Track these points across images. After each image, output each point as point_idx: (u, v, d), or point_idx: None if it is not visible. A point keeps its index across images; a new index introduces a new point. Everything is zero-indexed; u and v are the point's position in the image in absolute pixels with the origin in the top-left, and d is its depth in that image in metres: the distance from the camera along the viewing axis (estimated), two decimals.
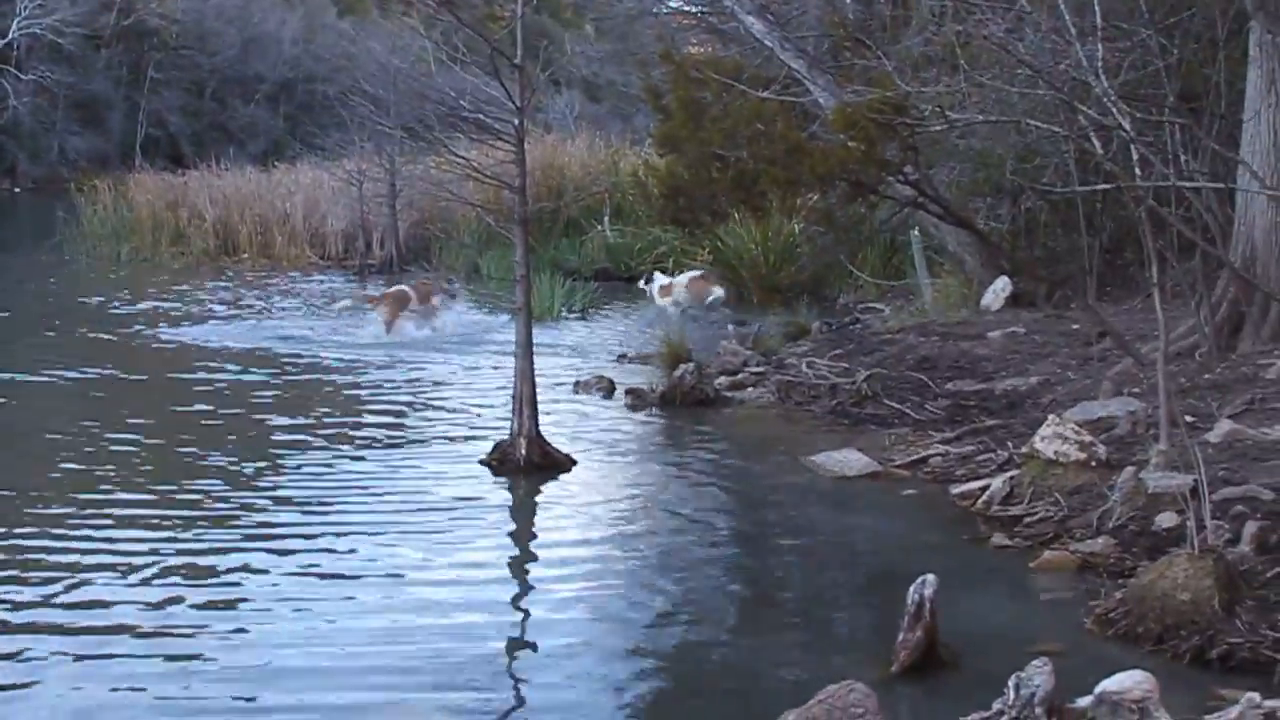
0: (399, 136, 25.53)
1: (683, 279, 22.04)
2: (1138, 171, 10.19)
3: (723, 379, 15.09)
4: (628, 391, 14.55)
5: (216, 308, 22.75)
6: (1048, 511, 9.39)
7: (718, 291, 21.66)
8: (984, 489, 10.06)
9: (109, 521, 9.61)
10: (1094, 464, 9.73)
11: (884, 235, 22.05)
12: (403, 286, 20.82)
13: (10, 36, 78.93)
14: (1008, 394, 12.96)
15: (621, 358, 17.38)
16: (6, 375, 15.47)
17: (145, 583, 8.31)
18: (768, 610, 8.17)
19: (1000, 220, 18.75)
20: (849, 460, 11.27)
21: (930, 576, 6.89)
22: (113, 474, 10.97)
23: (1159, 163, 10.59)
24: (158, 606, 7.87)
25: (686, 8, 26.95)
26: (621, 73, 43.48)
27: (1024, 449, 10.34)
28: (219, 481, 10.84)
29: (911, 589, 6.88)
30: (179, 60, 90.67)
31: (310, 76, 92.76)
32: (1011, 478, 10.03)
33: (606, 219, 29.90)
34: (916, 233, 19.78)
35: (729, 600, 8.39)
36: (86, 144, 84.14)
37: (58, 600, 7.96)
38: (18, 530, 9.32)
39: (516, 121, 11.43)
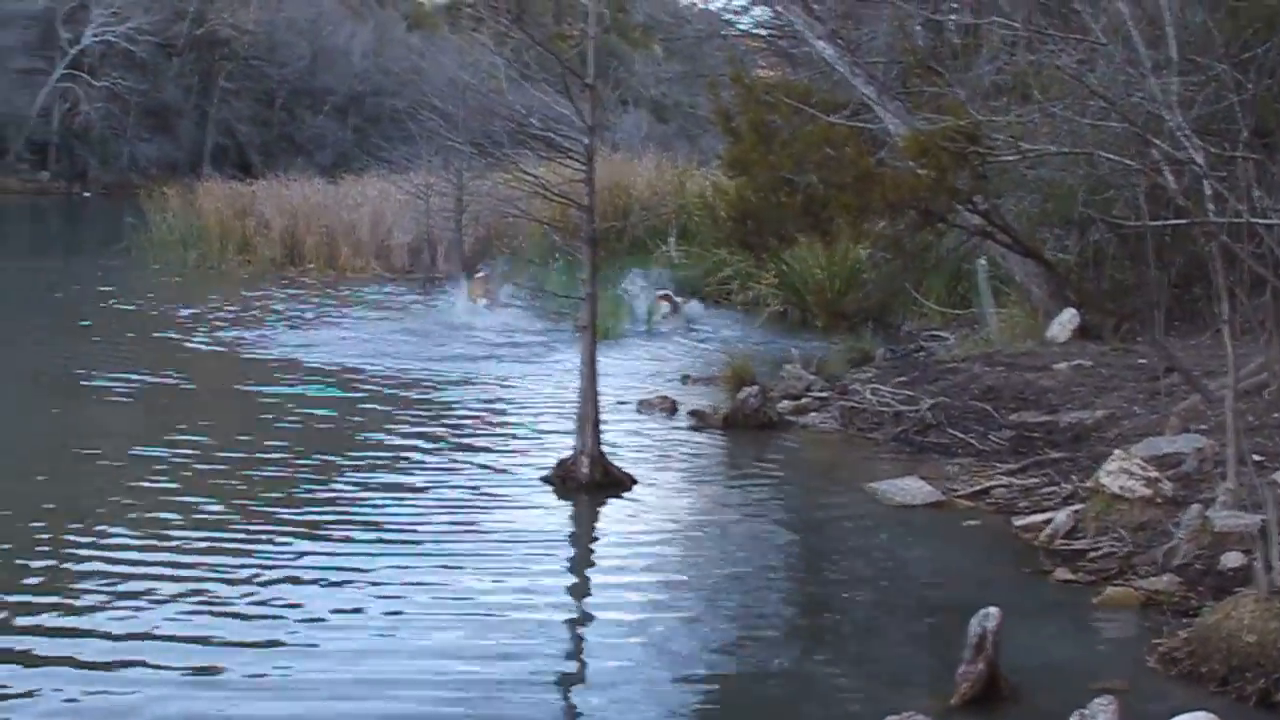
0: (467, 151, 25.57)
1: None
2: (1210, 206, 10.13)
3: (786, 403, 15.07)
4: (691, 412, 14.55)
5: (282, 318, 22.82)
6: (1112, 547, 9.33)
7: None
8: (1047, 522, 10.01)
9: (167, 540, 9.61)
10: (1160, 500, 9.66)
11: (950, 263, 21.97)
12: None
13: (84, 43, 79.75)
14: (1073, 427, 12.87)
15: (685, 378, 17.36)
16: (84, 382, 15.64)
17: (192, 592, 8.36)
18: (827, 638, 8.14)
19: (1068, 251, 18.64)
20: (912, 489, 11.22)
21: (993, 609, 6.86)
22: (169, 488, 10.99)
23: (1232, 198, 10.52)
24: (217, 617, 7.90)
25: (756, 30, 26.96)
26: (689, 94, 43.42)
27: (1089, 483, 10.27)
28: (281, 495, 10.90)
29: (973, 621, 6.85)
30: (249, 70, 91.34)
31: (379, 90, 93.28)
32: (1076, 511, 9.97)
33: (672, 240, 29.92)
34: (983, 262, 19.69)
35: (786, 625, 8.36)
36: (156, 151, 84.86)
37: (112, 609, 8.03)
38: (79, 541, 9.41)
39: (586, 140, 11.45)
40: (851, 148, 14.29)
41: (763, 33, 26.22)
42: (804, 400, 15.25)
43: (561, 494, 11.20)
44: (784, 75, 23.82)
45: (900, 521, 10.59)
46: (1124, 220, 15.24)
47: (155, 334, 20.22)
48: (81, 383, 15.66)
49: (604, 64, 11.80)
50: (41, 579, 8.51)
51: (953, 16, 19.00)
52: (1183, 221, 11.59)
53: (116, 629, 7.64)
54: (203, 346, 18.95)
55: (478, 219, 30.74)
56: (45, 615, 7.83)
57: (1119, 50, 11.52)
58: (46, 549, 9.16)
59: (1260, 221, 10.94)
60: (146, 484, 10.97)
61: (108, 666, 7.11)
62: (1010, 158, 12.79)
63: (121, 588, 8.32)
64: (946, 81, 16.04)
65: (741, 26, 26.58)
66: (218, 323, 21.67)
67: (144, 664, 7.16)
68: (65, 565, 8.79)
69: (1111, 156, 12.58)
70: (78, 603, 8.05)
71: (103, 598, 8.14)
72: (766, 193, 16.58)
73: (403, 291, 28.13)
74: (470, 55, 32.61)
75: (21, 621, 7.72)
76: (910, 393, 14.69)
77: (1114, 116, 11.15)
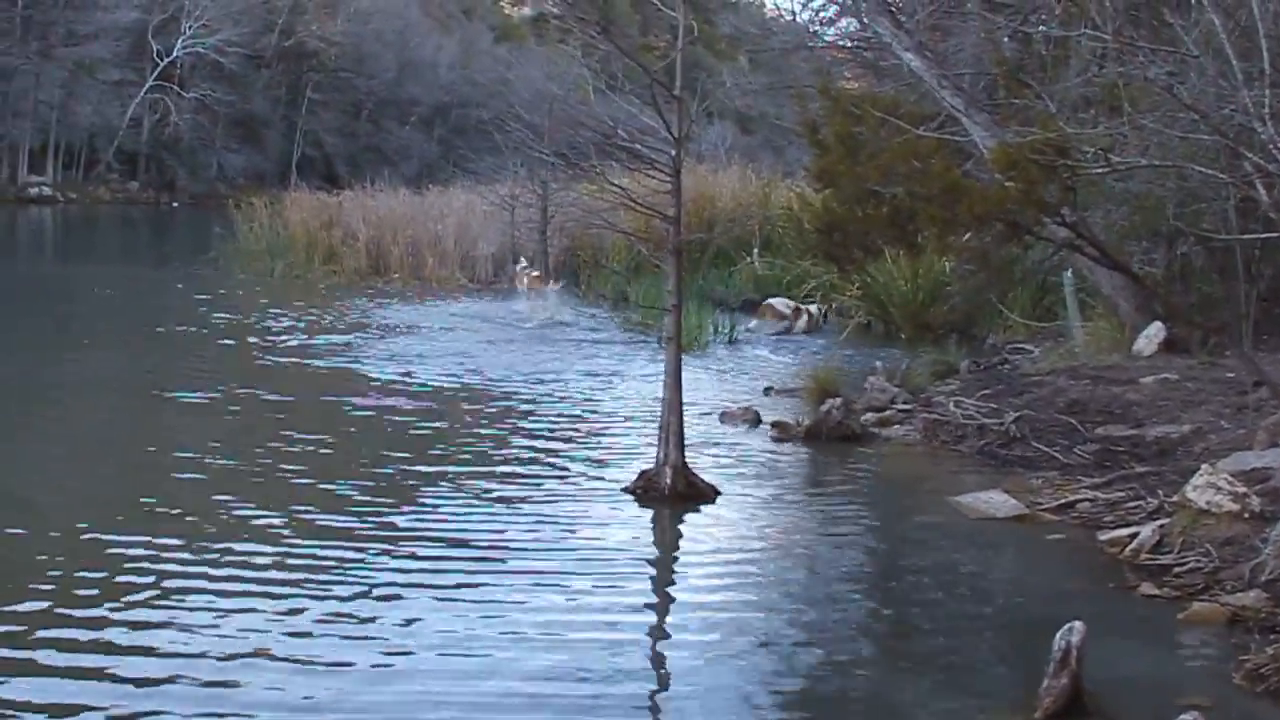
0: (552, 162, 25.69)
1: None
2: None
3: (869, 415, 15.04)
4: (773, 424, 14.54)
5: (367, 328, 22.96)
6: (1198, 562, 9.26)
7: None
8: (1133, 536, 9.95)
9: (235, 554, 9.65)
10: (1247, 515, 9.59)
11: (1036, 276, 21.86)
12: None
13: (175, 55, 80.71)
14: (1159, 441, 12.78)
15: (768, 390, 17.35)
16: (169, 392, 15.83)
17: (282, 608, 8.45)
18: (909, 651, 8.12)
19: (1155, 265, 18.51)
20: (995, 502, 11.18)
21: (1078, 623, 6.83)
22: (251, 500, 11.02)
23: None
24: (303, 635, 7.99)
25: (842, 42, 26.88)
26: (774, 105, 43.33)
27: (1175, 498, 10.21)
28: (362, 509, 10.96)
29: (1058, 635, 6.83)
30: (337, 82, 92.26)
31: (465, 101, 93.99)
32: (1161, 526, 9.91)
33: (756, 251, 29.93)
34: (1070, 275, 19.57)
35: (869, 639, 8.34)
36: (244, 161, 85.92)
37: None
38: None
39: (674, 152, 11.48)
40: (938, 160, 14.22)
41: (849, 44, 26.10)
42: (888, 413, 15.22)
43: (644, 505, 11.21)
44: (870, 87, 23.75)
45: (984, 535, 10.56)
46: (1213, 234, 15.14)
47: (241, 342, 20.40)
48: (166, 393, 15.79)
49: (690, 75, 11.79)
50: (143, 595, 8.54)
51: (1041, 28, 18.85)
52: (1274, 235, 11.49)
53: (221, 649, 7.64)
54: (284, 358, 19.03)
55: (563, 230, 30.85)
56: (154, 633, 7.88)
57: (1211, 62, 11.42)
58: (142, 563, 9.24)
59: None
60: (228, 496, 11.01)
61: (215, 685, 7.15)
62: (1099, 170, 12.71)
63: (222, 605, 8.35)
64: (1035, 93, 15.94)
65: (828, 38, 26.47)
66: (302, 332, 21.82)
67: (246, 684, 7.23)
68: (166, 582, 8.81)
69: (1202, 169, 12.50)
70: (181, 620, 8.09)
71: (206, 616, 8.15)
72: (852, 204, 16.51)
73: (488, 301, 28.27)
74: (557, 67, 32.80)
75: (127, 641, 7.78)
76: (995, 406, 14.63)
77: (1205, 129, 11.06)
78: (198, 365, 17.99)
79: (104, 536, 9.70)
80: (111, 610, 8.13)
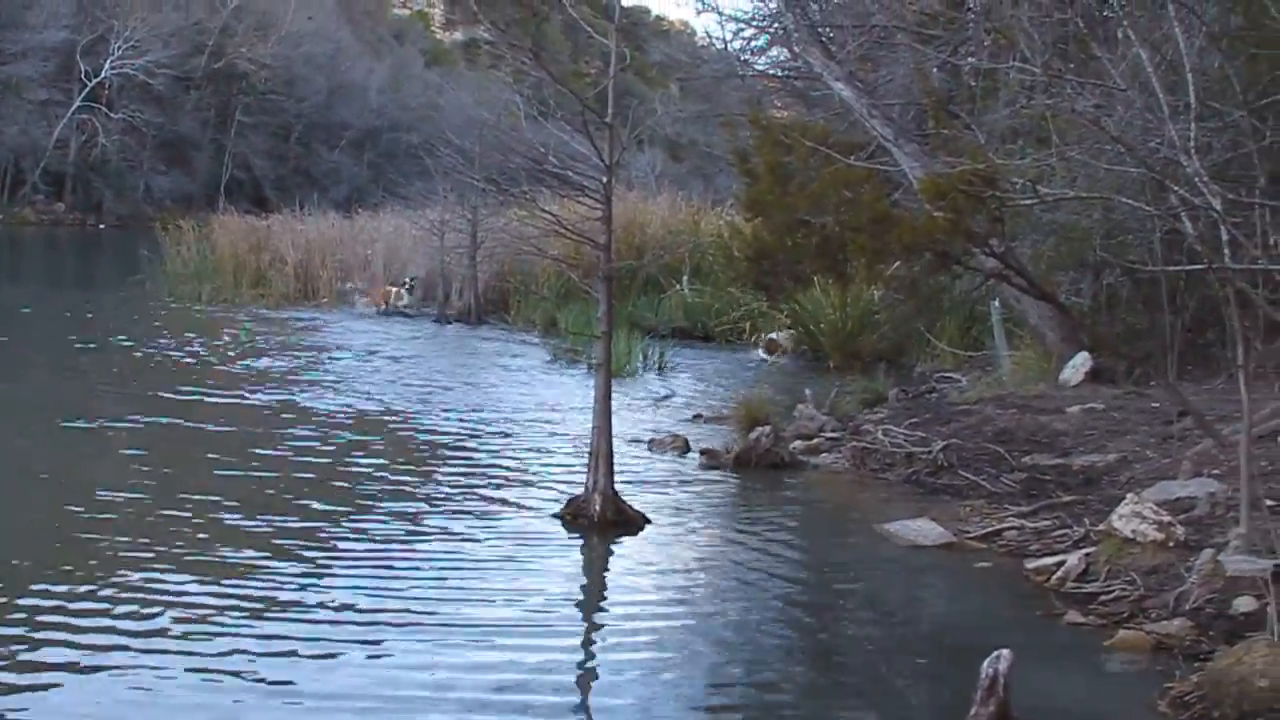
0: (483, 188, 25.65)
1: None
2: (1226, 251, 10.16)
3: (798, 443, 15.10)
4: (702, 451, 14.57)
5: (293, 352, 22.86)
6: (1123, 590, 9.33)
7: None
8: (1059, 565, 10.01)
9: (154, 585, 9.65)
10: (1172, 544, 9.68)
11: (964, 306, 22.00)
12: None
13: (103, 75, 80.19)
14: (1085, 470, 12.87)
15: (697, 417, 17.40)
16: (91, 422, 15.67)
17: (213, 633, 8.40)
18: (837, 677, 8.14)
19: (1082, 295, 18.67)
20: (923, 530, 11.23)
21: (1005, 651, 6.87)
22: (146, 536, 11.00)
23: (1248, 244, 10.54)
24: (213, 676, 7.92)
25: (772, 71, 27.01)
26: (705, 133, 43.51)
27: (1101, 526, 10.29)
28: (293, 528, 10.92)
29: (985, 663, 6.87)
30: (266, 105, 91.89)
31: (395, 125, 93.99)
32: (1087, 554, 9.98)
33: (686, 278, 30.00)
34: (997, 304, 19.72)
35: (797, 669, 8.34)
36: (172, 184, 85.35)
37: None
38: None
39: (605, 179, 11.48)
40: (868, 189, 14.34)
41: (779, 73, 26.28)
42: (816, 440, 15.29)
43: (573, 531, 11.20)
44: (801, 116, 23.86)
45: (912, 562, 10.61)
46: (1139, 265, 15.27)
47: (168, 370, 20.22)
48: (89, 423, 15.57)
49: (621, 102, 11.81)
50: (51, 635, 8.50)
51: (970, 60, 19.03)
52: (1199, 267, 11.60)
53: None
54: (206, 384, 18.89)
55: (492, 255, 30.80)
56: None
57: (1137, 95, 11.54)
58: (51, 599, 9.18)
59: (1276, 268, 10.97)
60: (138, 535, 10.93)
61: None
62: (1027, 201, 12.83)
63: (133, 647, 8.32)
64: (964, 124, 16.10)
65: (758, 67, 26.60)
66: (229, 359, 21.69)
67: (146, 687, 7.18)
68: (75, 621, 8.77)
69: (1129, 201, 12.62)
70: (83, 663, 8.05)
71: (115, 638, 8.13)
72: (783, 233, 16.59)
73: (414, 327, 28.26)
74: (488, 92, 32.75)
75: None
76: (923, 434, 14.71)
77: (1131, 161, 11.19)
78: (118, 390, 17.80)
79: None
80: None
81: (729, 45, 26.55)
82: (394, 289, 31.23)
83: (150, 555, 9.75)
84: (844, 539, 11.47)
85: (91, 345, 22.32)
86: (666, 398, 19.32)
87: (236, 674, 7.53)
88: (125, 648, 7.85)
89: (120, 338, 23.16)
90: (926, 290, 18.59)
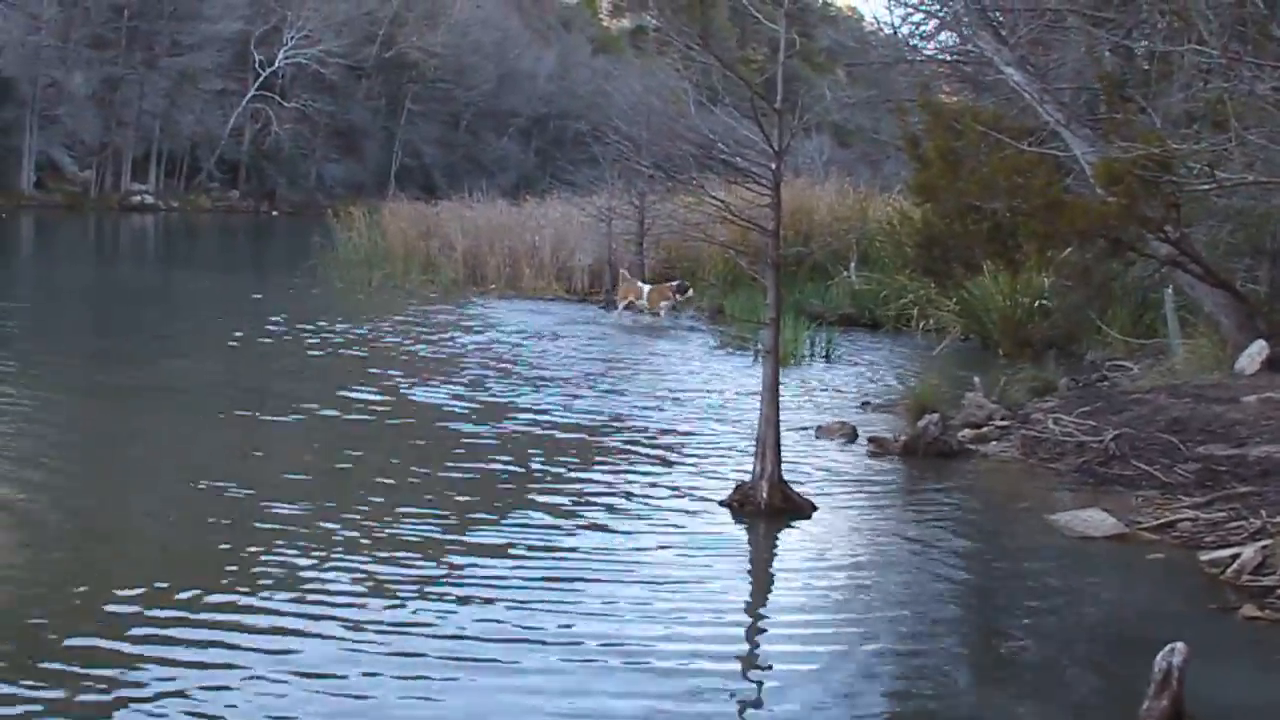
0: (650, 174, 25.71)
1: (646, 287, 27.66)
2: None
3: (967, 431, 14.97)
4: (870, 439, 14.50)
5: (466, 336, 23.05)
6: None
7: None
8: (1234, 557, 9.83)
9: (324, 572, 9.77)
10: None
11: (1136, 293, 21.67)
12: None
13: (276, 65, 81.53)
14: (1262, 461, 12.61)
15: (865, 405, 17.31)
16: (258, 406, 15.92)
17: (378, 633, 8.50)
18: (1006, 668, 8.06)
19: (1259, 282, 18.31)
20: (1094, 521, 11.08)
21: (1179, 645, 6.77)
22: (340, 514, 11.17)
23: None
24: (416, 655, 8.01)
25: (941, 56, 26.74)
26: (872, 119, 43.35)
27: (1278, 518, 10.08)
28: (450, 523, 11.00)
29: (1159, 657, 6.77)
30: (435, 93, 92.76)
31: (563, 113, 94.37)
32: (1264, 547, 9.79)
33: (853, 265, 29.86)
34: (1171, 291, 19.39)
35: (964, 661, 8.28)
36: (343, 171, 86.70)
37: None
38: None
39: (773, 165, 11.45)
40: (1040, 175, 14.19)
41: (949, 58, 25.99)
42: (985, 429, 15.13)
43: (740, 519, 11.20)
44: (971, 101, 23.62)
45: (1082, 554, 10.48)
46: None
47: (340, 353, 20.51)
48: (255, 407, 15.84)
49: (788, 88, 11.77)
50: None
51: (1144, 43, 18.70)
52: None
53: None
54: (380, 370, 19.10)
55: (659, 242, 30.88)
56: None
57: None
58: (234, 574, 9.35)
59: None
60: (319, 515, 11.09)
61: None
62: (1203, 186, 12.62)
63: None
64: (1138, 108, 15.84)
65: (927, 52, 26.33)
66: (401, 343, 21.92)
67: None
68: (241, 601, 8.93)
69: None
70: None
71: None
72: (953, 219, 16.54)
73: (586, 312, 28.37)
74: (655, 79, 32.77)
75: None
76: (1094, 423, 14.50)
77: None
78: (296, 375, 18.12)
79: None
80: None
81: (897, 30, 26.31)
82: (647, 287, 28.12)
83: (313, 545, 9.89)
84: (1013, 528, 11.35)
85: (278, 328, 22.64)
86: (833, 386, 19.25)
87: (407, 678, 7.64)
88: (290, 649, 7.99)
89: (303, 325, 23.46)
90: (1099, 277, 18.37)
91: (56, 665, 7.22)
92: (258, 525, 10.22)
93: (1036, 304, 22.61)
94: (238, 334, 21.99)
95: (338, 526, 10.29)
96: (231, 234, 65.35)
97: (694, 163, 15.41)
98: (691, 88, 14.15)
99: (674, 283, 27.94)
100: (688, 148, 14.94)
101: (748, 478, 11.52)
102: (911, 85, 24.60)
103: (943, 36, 26.56)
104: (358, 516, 10.62)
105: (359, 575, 9.12)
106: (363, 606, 8.45)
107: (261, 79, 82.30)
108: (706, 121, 13.24)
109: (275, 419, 15.02)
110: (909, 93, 23.35)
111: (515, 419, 15.34)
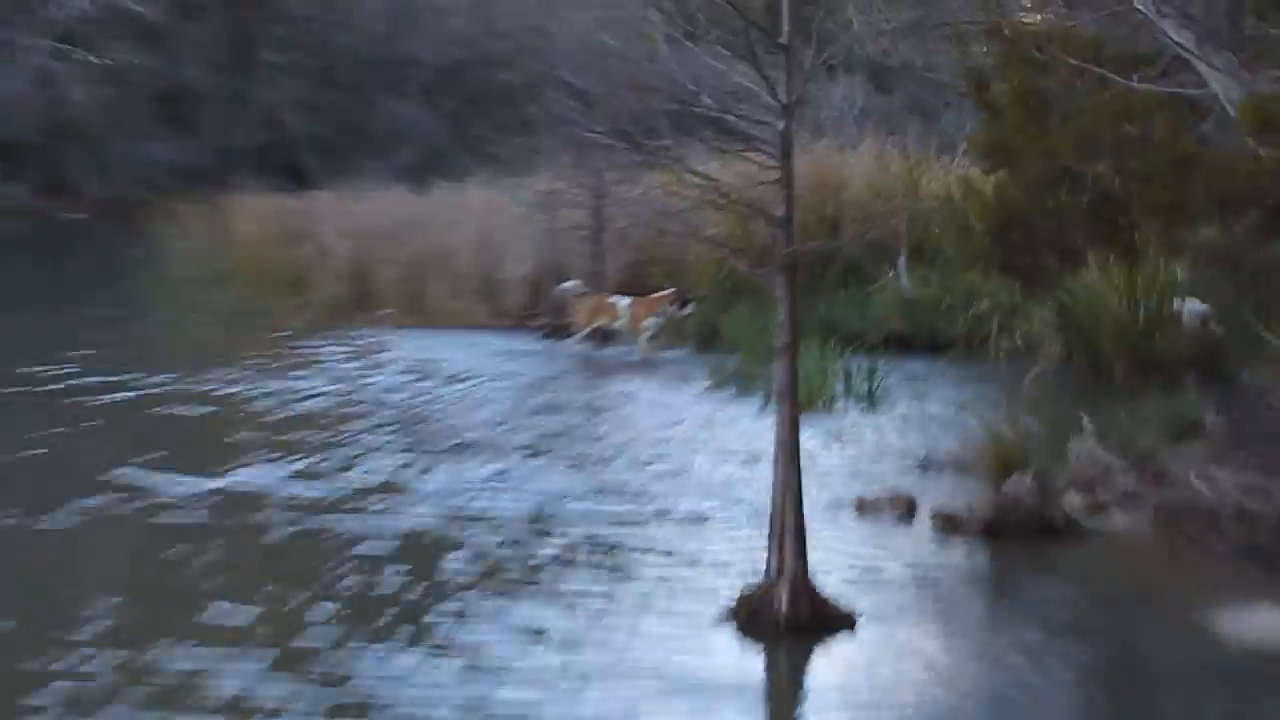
0: (609, 144, 25.63)
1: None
2: None
3: (1076, 497, 14.82)
4: (935, 515, 14.41)
5: (346, 389, 22.94)
6: None
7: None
8: None
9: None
10: None
11: None
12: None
13: (73, 8, 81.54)
14: None
15: (925, 465, 17.13)
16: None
17: None
18: None
19: None
20: (1269, 623, 10.95)
21: None
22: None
23: None
24: None
25: None
26: (923, 52, 43.32)
27: None
28: (339, 660, 10.91)
29: None
30: (302, 36, 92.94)
31: (485, 60, 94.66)
32: None
33: (903, 262, 29.75)
34: None
35: None
36: (173, 153, 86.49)
37: None
38: None
39: (782, 124, 11.29)
40: (1162, 122, 14.04)
41: None
42: (1102, 493, 14.97)
43: (749, 639, 11.07)
44: (1060, 21, 23.55)
45: (1255, 672, 10.36)
46: None
47: (155, 414, 20.34)
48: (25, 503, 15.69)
49: (801, 14, 11.61)
50: None
51: None
52: None
53: None
54: (215, 444, 18.95)
55: (625, 239, 30.67)
56: None
57: None
58: None
59: None
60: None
61: None
62: None
63: None
64: None
65: None
66: (250, 400, 21.76)
67: None
68: None
69: None
70: None
71: None
72: (1039, 191, 16.34)
73: (522, 344, 28.24)
74: (612, 8, 32.75)
75: None
76: (1261, 479, 14.34)
77: None
78: (92, 454, 17.92)
79: None
80: None
81: None
82: (626, 300, 28.14)
83: None
84: (1149, 641, 11.39)
85: (72, 380, 22.47)
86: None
87: None
88: None
89: (109, 377, 23.29)
90: (1254, 263, 18.24)
91: None
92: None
93: (1166, 306, 22.52)
94: (9, 391, 21.83)
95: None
96: (9, 248, 65.13)
97: (670, 125, 15.26)
98: (662, 18, 14.08)
99: (666, 291, 27.70)
100: (660, 104, 14.81)
101: (759, 579, 11.37)
102: (976, 2, 24.55)
103: None
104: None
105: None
106: None
107: (53, 27, 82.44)
108: (685, 66, 13.14)
109: (50, 520, 14.81)
110: (973, 13, 23.26)
111: (417, 512, 15.20)
